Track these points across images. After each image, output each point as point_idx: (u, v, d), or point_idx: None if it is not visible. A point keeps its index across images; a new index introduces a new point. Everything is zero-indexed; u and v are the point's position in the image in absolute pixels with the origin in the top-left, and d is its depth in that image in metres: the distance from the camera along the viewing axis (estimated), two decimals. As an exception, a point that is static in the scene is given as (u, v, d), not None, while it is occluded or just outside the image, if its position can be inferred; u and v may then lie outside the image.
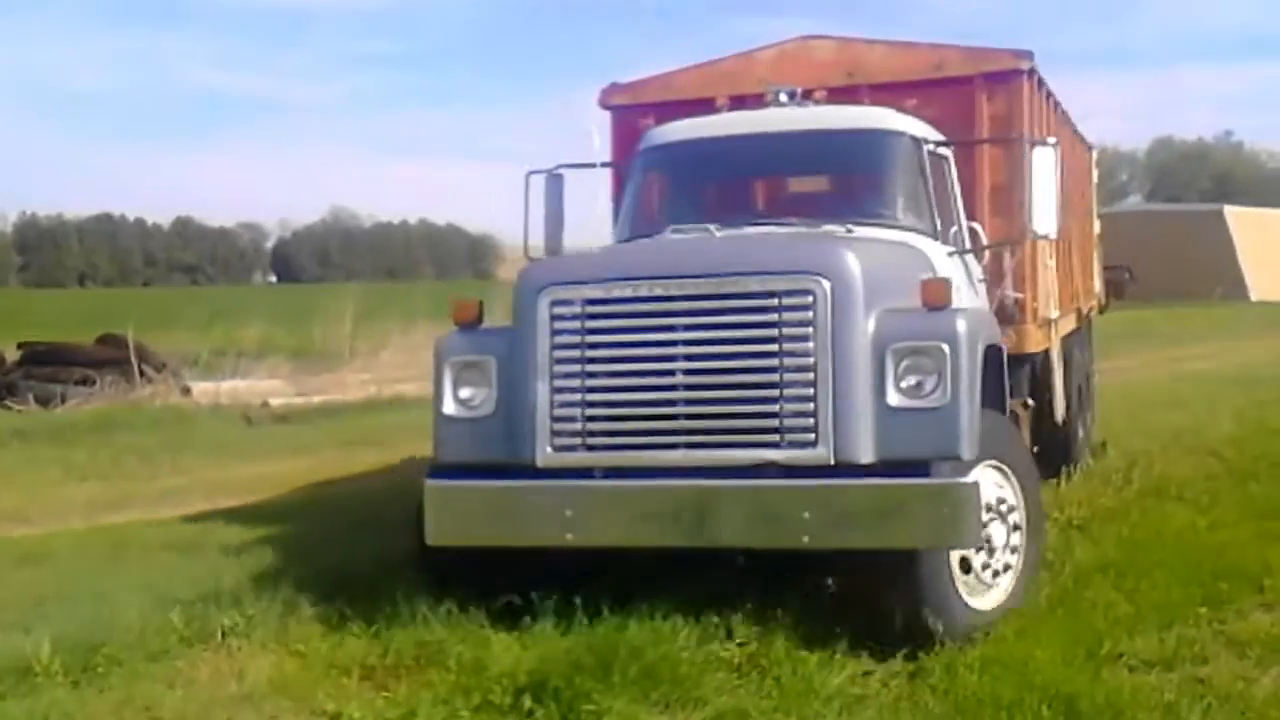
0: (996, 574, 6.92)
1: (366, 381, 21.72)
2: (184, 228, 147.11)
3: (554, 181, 9.19)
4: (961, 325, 6.51)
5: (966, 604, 6.73)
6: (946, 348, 6.39)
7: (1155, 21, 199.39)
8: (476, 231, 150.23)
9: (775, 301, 6.48)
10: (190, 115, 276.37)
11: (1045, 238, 8.47)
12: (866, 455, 6.40)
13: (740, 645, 6.68)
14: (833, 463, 6.39)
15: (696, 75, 9.79)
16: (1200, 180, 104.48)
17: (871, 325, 6.48)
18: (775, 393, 6.47)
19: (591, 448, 6.73)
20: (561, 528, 6.59)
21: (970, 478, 6.39)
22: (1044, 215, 8.07)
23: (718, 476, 6.49)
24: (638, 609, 6.90)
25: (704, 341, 6.57)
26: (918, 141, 8.42)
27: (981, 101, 9.08)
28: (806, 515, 6.26)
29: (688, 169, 8.86)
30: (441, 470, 7.05)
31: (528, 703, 5.92)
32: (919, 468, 6.31)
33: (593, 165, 9.46)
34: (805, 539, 6.31)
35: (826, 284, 6.45)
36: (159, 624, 7.22)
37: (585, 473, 6.71)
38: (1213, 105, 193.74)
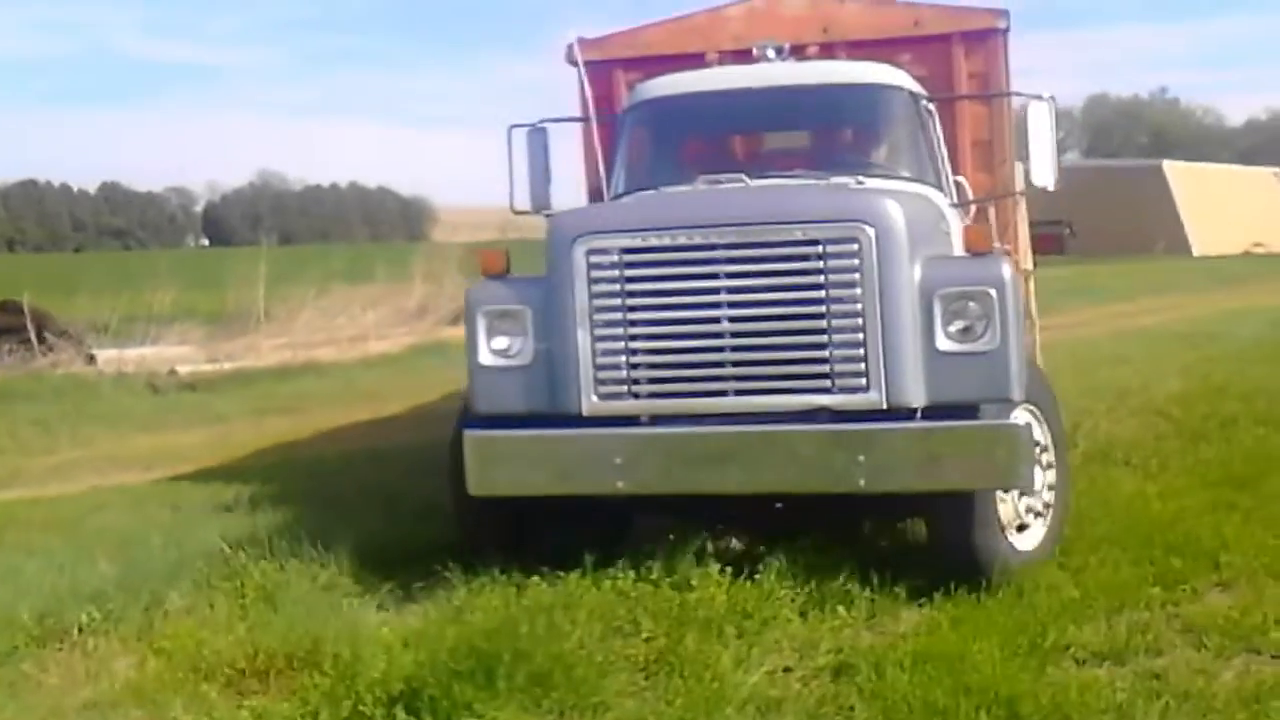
0: (1036, 514, 7.10)
1: (281, 346, 21.06)
2: (112, 192, 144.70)
3: (537, 136, 8.95)
4: (1007, 270, 6.61)
5: (1011, 544, 6.89)
6: (994, 292, 6.46)
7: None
8: (408, 194, 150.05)
9: (819, 249, 6.51)
10: (117, 81, 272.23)
11: (1044, 189, 8.52)
12: (917, 399, 6.47)
13: (647, 640, 6.11)
14: (885, 407, 6.46)
15: (666, 30, 9.66)
16: (1137, 136, 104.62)
17: (918, 271, 6.52)
18: (824, 338, 6.50)
19: (638, 395, 6.72)
20: (611, 475, 6.57)
21: (1022, 419, 6.59)
22: (1042, 168, 8.27)
23: (767, 422, 6.52)
24: (541, 596, 6.43)
25: (749, 289, 6.58)
26: (915, 96, 8.49)
27: (959, 58, 9.16)
28: (862, 459, 6.33)
29: (686, 122, 8.78)
30: (478, 420, 6.93)
31: (401, 714, 5.25)
32: (968, 411, 6.47)
33: (578, 119, 9.35)
34: (861, 482, 6.37)
35: (871, 231, 6.47)
36: (6, 620, 6.57)
37: (631, 420, 6.73)
38: (1148, 62, 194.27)
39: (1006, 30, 9.27)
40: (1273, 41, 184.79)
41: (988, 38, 9.23)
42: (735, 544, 7.53)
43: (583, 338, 6.70)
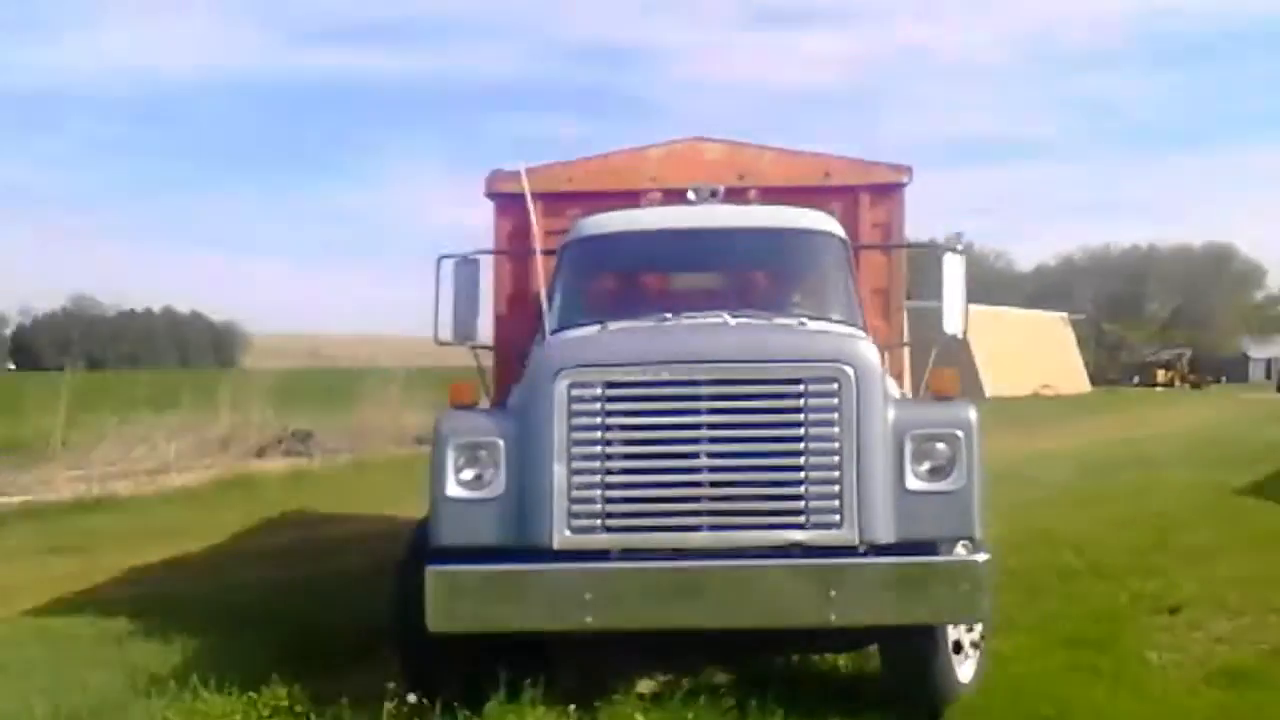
0: (974, 646, 7.30)
1: (76, 479, 19.87)
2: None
3: (466, 266, 8.92)
4: (974, 414, 6.89)
5: (956, 676, 7.14)
6: (962, 434, 6.77)
7: (886, 129, 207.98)
8: (220, 319, 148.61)
9: (801, 388, 6.65)
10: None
11: (954, 338, 8.75)
12: (887, 536, 6.61)
13: None
14: (857, 543, 6.57)
15: (587, 168, 9.77)
16: (933, 279, 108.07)
17: (891, 412, 6.74)
18: (800, 475, 6.59)
19: (610, 529, 6.67)
20: (581, 610, 6.47)
21: (983, 556, 6.67)
22: (953, 317, 8.64)
23: (738, 558, 6.55)
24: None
25: (729, 425, 6.65)
26: (845, 243, 8.76)
27: (865, 209, 9.47)
28: (833, 594, 6.40)
29: (631, 258, 8.85)
30: (441, 554, 6.74)
31: None
32: (929, 547, 6.70)
33: (511, 252, 9.35)
34: (832, 616, 6.42)
35: (851, 371, 6.67)
36: None
37: (602, 555, 6.65)
38: (942, 209, 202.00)
39: (907, 184, 9.67)
40: (1059, 190, 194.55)
41: (892, 191, 9.63)
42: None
43: (559, 470, 6.64)
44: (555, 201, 9.48)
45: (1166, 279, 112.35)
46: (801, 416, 6.60)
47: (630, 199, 9.14)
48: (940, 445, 6.74)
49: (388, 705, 6.76)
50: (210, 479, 21.01)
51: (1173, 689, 7.62)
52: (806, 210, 8.88)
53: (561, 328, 8.02)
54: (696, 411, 6.64)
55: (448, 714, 6.82)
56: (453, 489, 6.81)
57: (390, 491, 20.59)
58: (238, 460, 23.22)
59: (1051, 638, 8.73)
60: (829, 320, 8.06)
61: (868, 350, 6.86)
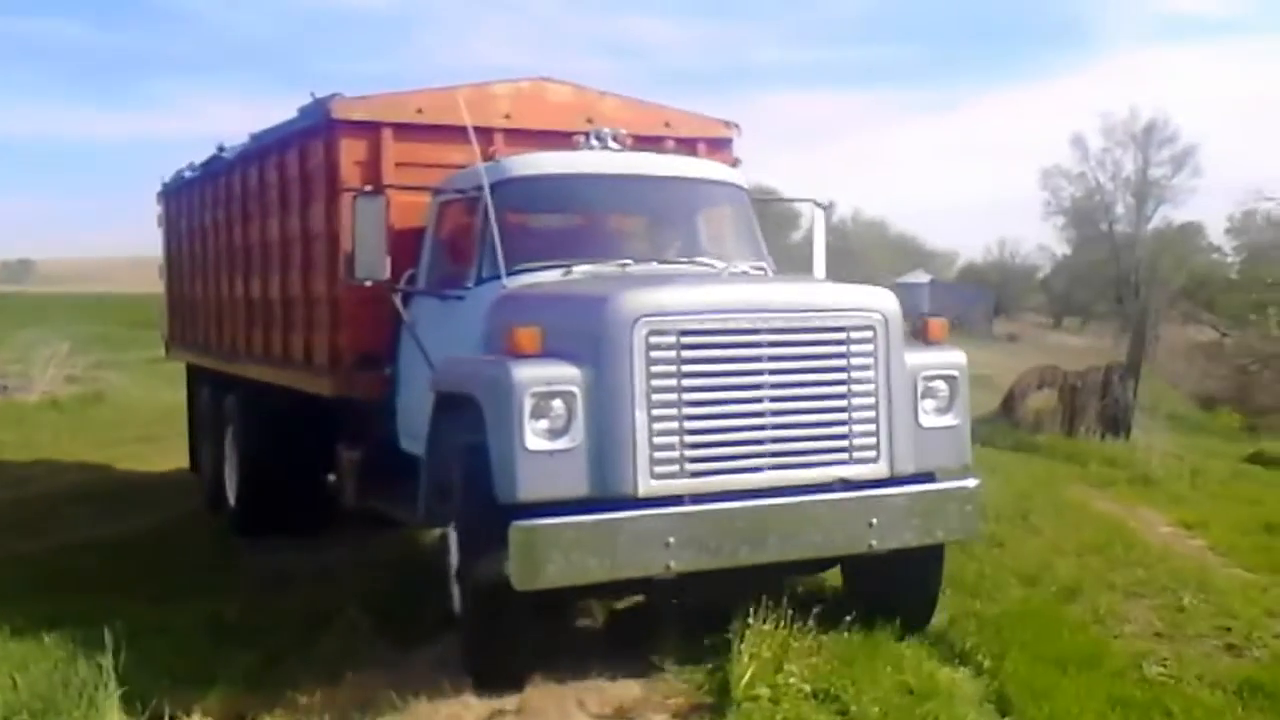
0: None
1: None
2: None
3: (371, 203, 8.33)
4: (964, 357, 7.78)
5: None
6: (959, 375, 7.70)
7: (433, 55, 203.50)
8: None
9: (844, 335, 7.24)
10: None
11: None
12: (909, 468, 7.39)
13: None
14: (888, 476, 7.30)
15: (436, 99, 9.48)
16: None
17: (908, 357, 7.44)
18: (845, 415, 7.22)
19: (686, 474, 6.88)
20: (664, 555, 6.66)
21: (976, 480, 7.64)
22: (818, 265, 9.69)
23: (794, 494, 7.04)
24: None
25: (786, 371, 7.11)
26: (751, 195, 9.57)
27: (703, 158, 9.96)
28: (874, 522, 7.12)
29: (573, 201, 9.08)
30: (523, 509, 6.58)
31: None
32: (930, 475, 7.55)
33: (429, 188, 9.08)
34: (873, 543, 7.16)
35: (883, 319, 7.35)
36: None
37: (676, 500, 6.83)
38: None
39: (734, 140, 10.54)
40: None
41: (724, 146, 10.46)
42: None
43: (640, 418, 6.77)
44: (407, 131, 9.48)
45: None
46: (845, 362, 7.20)
47: (484, 135, 9.09)
48: (942, 385, 7.58)
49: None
50: None
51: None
52: (720, 164, 9.73)
53: (515, 270, 8.05)
54: (759, 359, 7.04)
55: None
56: (532, 441, 6.64)
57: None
58: None
59: (1033, 654, 7.51)
60: (765, 268, 8.89)
61: (893, 300, 7.46)
